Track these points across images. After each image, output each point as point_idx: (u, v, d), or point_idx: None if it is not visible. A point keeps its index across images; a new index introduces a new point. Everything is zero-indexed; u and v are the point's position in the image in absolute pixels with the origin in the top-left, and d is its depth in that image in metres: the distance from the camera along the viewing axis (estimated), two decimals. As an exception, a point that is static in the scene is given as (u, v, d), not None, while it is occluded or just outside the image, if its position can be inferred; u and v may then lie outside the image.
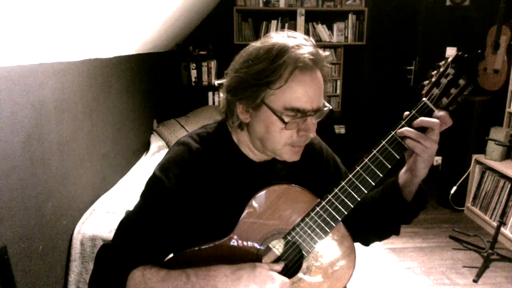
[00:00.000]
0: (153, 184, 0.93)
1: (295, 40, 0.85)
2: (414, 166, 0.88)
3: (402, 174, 0.94)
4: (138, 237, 0.89)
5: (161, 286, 0.82)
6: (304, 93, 0.83)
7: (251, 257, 0.91)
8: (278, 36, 0.87)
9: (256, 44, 0.88)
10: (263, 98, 0.85)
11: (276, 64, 0.81)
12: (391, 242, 3.00)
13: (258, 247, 0.91)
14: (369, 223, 1.01)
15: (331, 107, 0.90)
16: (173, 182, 0.90)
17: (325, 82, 0.88)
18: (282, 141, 0.88)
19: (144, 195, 0.94)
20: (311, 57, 0.83)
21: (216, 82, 0.97)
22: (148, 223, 0.89)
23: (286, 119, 0.84)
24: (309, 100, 0.84)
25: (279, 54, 0.82)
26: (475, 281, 2.55)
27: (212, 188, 0.93)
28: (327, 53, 0.88)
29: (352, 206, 0.89)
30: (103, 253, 0.89)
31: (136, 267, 0.85)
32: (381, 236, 1.06)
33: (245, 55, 0.88)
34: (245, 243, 0.91)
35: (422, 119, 0.85)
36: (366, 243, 1.09)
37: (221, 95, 0.94)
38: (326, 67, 0.88)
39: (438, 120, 0.84)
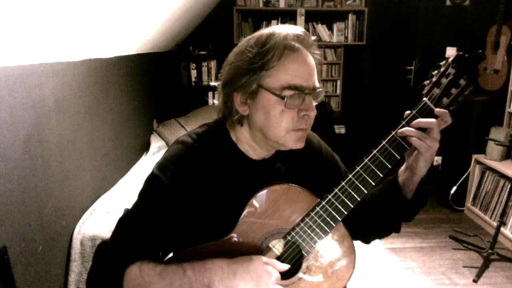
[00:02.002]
0: (151, 182, 0.93)
1: (282, 27, 0.89)
2: (414, 165, 0.88)
3: (402, 172, 0.94)
4: (136, 234, 0.89)
5: (158, 280, 0.83)
6: (298, 70, 0.86)
7: (251, 257, 0.91)
8: (266, 28, 0.91)
9: (247, 37, 0.92)
10: (259, 82, 0.86)
11: (267, 46, 0.85)
12: (391, 242, 3.00)
13: (258, 246, 0.91)
14: (369, 221, 1.01)
15: (325, 90, 0.91)
16: (171, 180, 0.90)
17: (317, 67, 0.91)
18: (284, 125, 0.88)
19: (142, 193, 0.94)
20: (299, 34, 0.87)
21: (211, 84, 1.00)
22: (146, 221, 0.90)
23: (285, 97, 0.86)
24: (304, 77, 0.87)
25: (268, 38, 0.86)
26: (475, 281, 2.55)
27: (210, 187, 0.93)
28: (314, 37, 0.92)
29: (352, 206, 0.89)
30: (101, 250, 0.90)
31: (133, 263, 0.85)
32: (382, 234, 1.06)
33: (237, 49, 0.91)
34: (245, 242, 0.91)
35: (419, 120, 0.85)
36: (367, 241, 1.09)
37: (216, 101, 0.95)
38: (316, 53, 0.91)
39: (435, 119, 0.84)
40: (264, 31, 0.89)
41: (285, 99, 0.85)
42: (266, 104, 0.87)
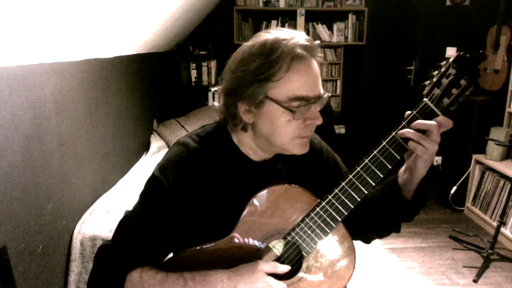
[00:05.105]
0: (151, 184, 0.93)
1: (285, 33, 0.87)
2: (413, 166, 0.88)
3: (402, 173, 0.94)
4: (137, 237, 0.89)
5: None
6: (305, 81, 0.85)
7: (251, 257, 0.91)
8: (266, 33, 0.88)
9: (248, 43, 0.89)
10: (266, 93, 0.85)
11: (274, 56, 0.83)
12: (391, 242, 3.00)
13: (258, 247, 0.91)
14: (369, 221, 1.01)
15: (329, 94, 0.91)
16: (172, 182, 0.90)
17: (320, 70, 0.91)
18: (290, 134, 0.88)
19: (142, 195, 0.94)
20: (307, 44, 0.85)
21: (213, 89, 0.99)
22: (147, 223, 0.90)
23: (293, 109, 0.85)
24: (311, 87, 0.86)
25: (274, 47, 0.84)
26: (475, 281, 2.55)
27: (211, 188, 0.93)
28: (317, 41, 0.90)
29: (352, 206, 0.89)
30: (102, 253, 0.90)
31: (134, 268, 0.85)
32: (382, 233, 1.06)
33: (239, 56, 0.88)
34: (245, 243, 0.91)
35: (419, 122, 0.84)
36: (367, 240, 1.09)
37: (215, 103, 0.95)
38: (319, 56, 0.90)
39: (435, 122, 0.83)
40: (267, 37, 0.87)
41: (294, 112, 0.85)
42: (272, 114, 0.86)
